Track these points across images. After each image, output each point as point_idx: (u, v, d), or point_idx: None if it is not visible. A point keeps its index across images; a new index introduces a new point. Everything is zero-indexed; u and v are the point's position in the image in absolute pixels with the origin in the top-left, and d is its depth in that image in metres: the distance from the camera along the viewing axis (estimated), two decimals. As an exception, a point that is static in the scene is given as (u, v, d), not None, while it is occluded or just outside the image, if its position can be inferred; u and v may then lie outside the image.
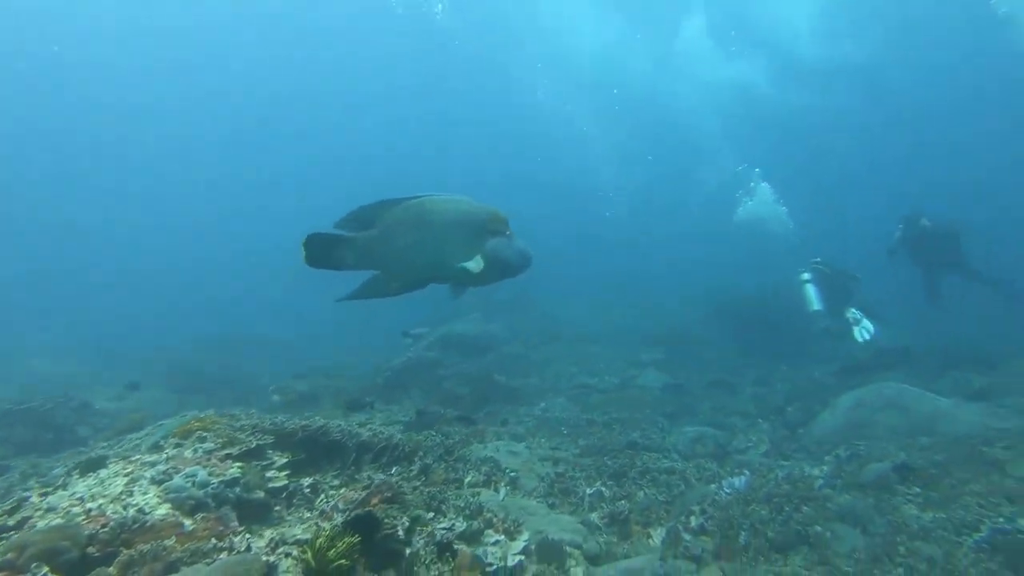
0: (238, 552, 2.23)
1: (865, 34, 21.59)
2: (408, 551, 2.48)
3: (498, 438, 5.59)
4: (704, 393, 8.78)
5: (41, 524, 2.30)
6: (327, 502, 2.92)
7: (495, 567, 2.78)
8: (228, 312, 20.61)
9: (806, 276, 9.42)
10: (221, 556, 2.16)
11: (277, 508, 2.84)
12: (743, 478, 4.63)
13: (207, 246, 33.89)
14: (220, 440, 3.09)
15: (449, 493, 3.41)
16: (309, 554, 2.10)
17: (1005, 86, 21.84)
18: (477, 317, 10.48)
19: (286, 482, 2.98)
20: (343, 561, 2.09)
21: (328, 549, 2.10)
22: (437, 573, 2.50)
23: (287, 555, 2.28)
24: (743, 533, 3.65)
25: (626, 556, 3.41)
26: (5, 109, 26.53)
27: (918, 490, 4.23)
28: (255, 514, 2.72)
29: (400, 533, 2.49)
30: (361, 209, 2.74)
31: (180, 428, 3.28)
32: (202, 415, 3.62)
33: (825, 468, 5.21)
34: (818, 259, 9.45)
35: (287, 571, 2.18)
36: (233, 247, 33.79)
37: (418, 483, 3.42)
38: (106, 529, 2.18)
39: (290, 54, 27.93)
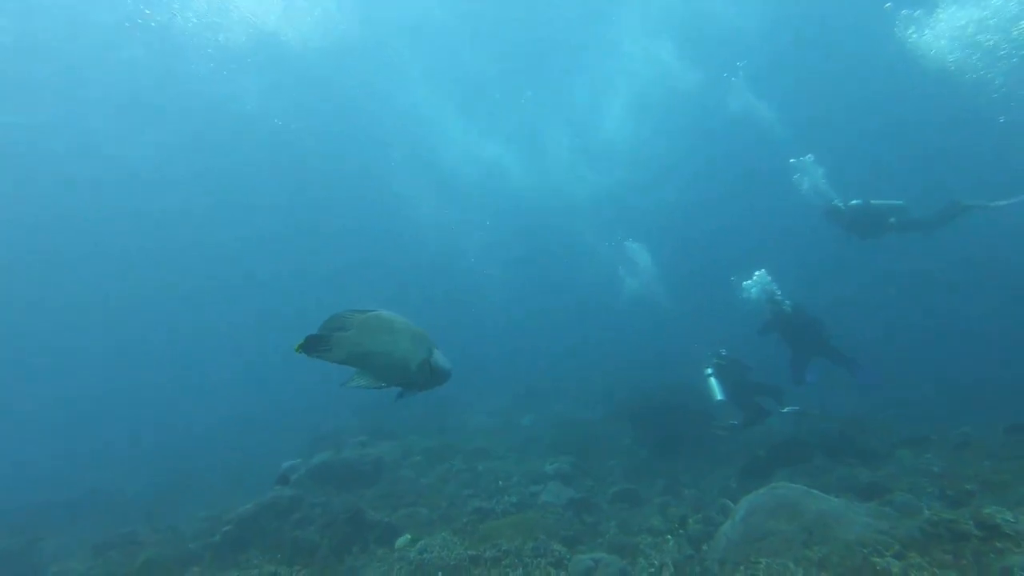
0: None
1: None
2: None
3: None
4: (610, 508, 8.11)
5: None
6: None
7: None
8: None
9: (709, 371, 9.56)
10: None
11: None
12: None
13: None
14: None
15: None
16: None
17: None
18: (362, 440, 9.36)
19: None
20: None
21: None
22: None
23: None
24: None
25: None
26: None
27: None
28: None
29: None
30: (333, 317, 3.30)
31: None
32: None
33: (726, 599, 4.62)
34: (723, 351, 9.68)
35: None
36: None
37: None
38: None
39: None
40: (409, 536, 5.72)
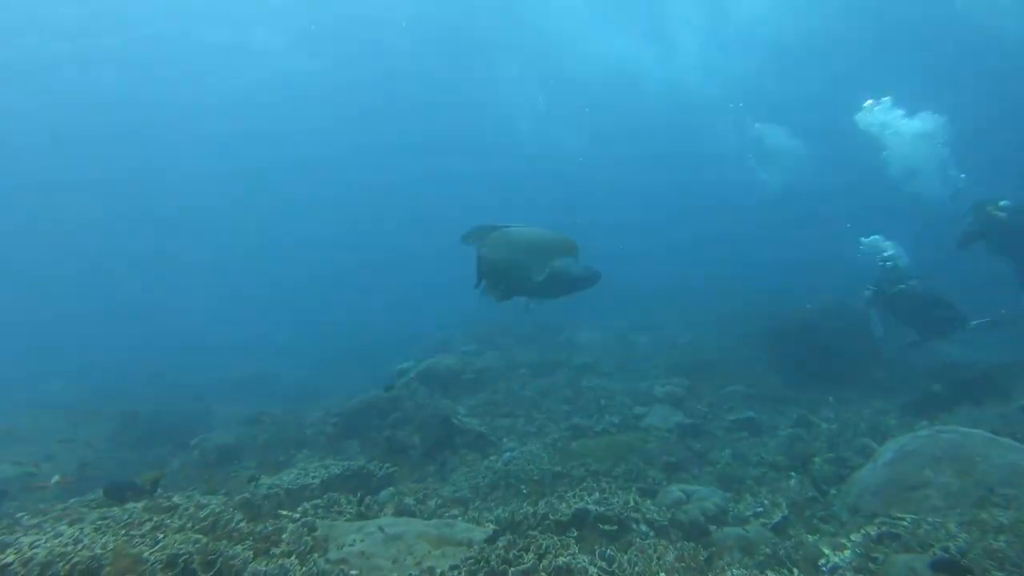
0: None
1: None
2: None
3: (423, 501, 4.62)
4: (726, 436, 7.30)
5: None
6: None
7: None
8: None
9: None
10: None
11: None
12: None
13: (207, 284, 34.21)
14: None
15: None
16: None
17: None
18: (470, 349, 9.61)
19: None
20: None
21: None
22: None
23: None
24: None
25: None
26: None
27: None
28: None
29: None
30: (476, 228, 3.76)
31: None
32: None
33: (846, 554, 3.77)
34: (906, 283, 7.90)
35: None
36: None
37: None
38: None
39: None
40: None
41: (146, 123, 26.10)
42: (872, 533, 3.85)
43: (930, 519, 3.87)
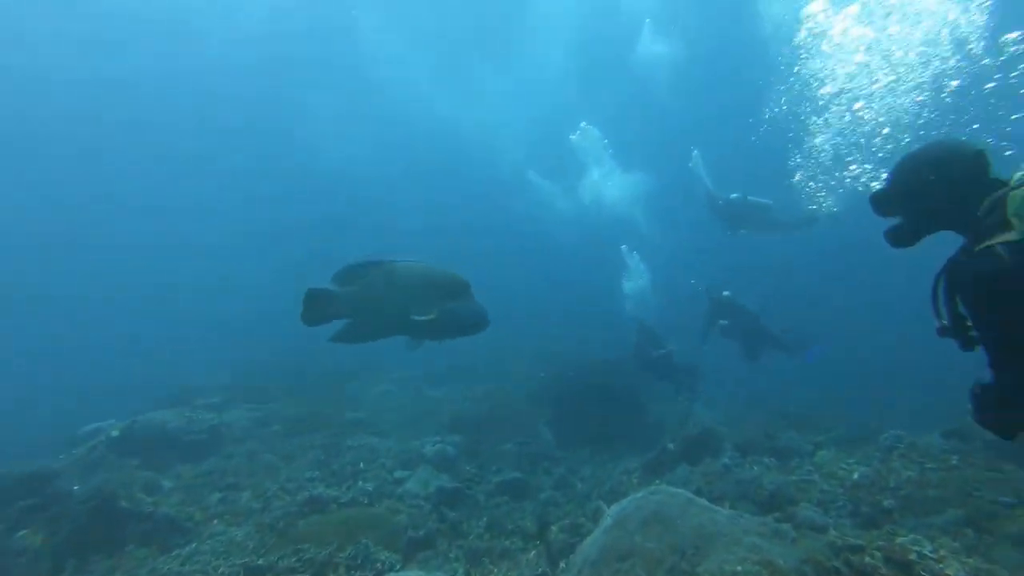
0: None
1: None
2: None
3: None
4: (487, 502, 6.87)
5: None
6: None
7: None
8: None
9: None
10: None
11: None
12: None
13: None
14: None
15: None
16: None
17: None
18: (213, 402, 7.88)
19: None
20: None
21: None
22: None
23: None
24: None
25: None
26: None
27: None
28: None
29: None
30: (348, 267, 3.52)
31: None
32: None
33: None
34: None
35: None
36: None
37: None
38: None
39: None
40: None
41: None
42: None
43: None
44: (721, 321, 9.51)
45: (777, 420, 7.45)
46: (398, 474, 7.06)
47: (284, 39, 21.95)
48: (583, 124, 16.61)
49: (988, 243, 1.49)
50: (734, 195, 9.62)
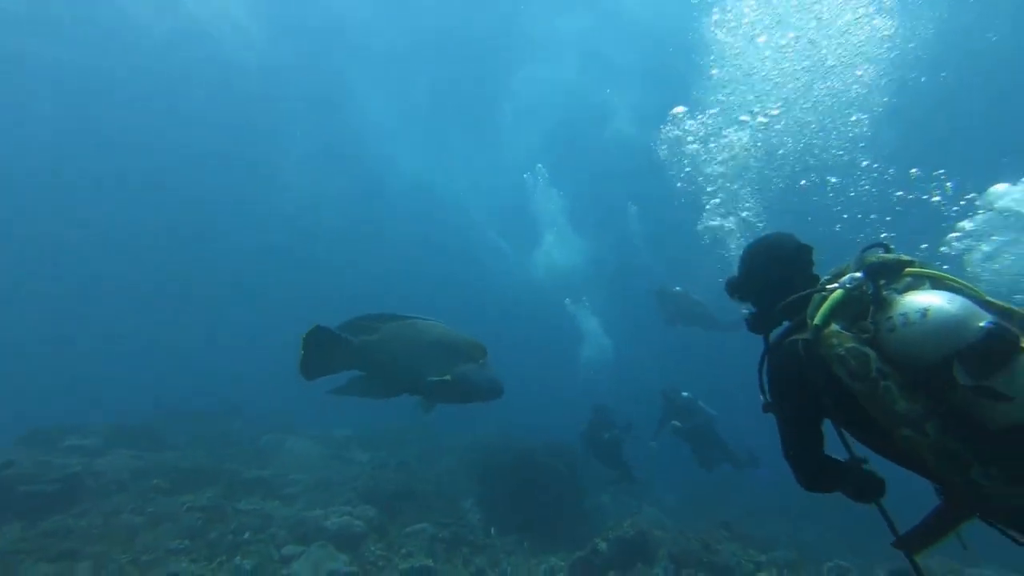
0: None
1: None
2: None
3: None
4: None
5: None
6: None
7: None
8: None
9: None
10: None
11: None
12: None
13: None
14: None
15: None
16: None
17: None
18: (88, 444, 6.79)
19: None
20: None
21: None
22: None
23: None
24: None
25: None
26: None
27: None
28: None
29: None
30: (361, 317, 3.38)
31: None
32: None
33: None
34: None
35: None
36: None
37: None
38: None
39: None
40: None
41: None
42: None
43: None
44: (674, 423, 8.92)
45: (719, 530, 6.82)
46: (288, 550, 6.06)
47: (272, 72, 22.07)
48: (539, 165, 16.92)
49: (792, 338, 1.66)
50: (677, 288, 9.47)
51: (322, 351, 3.18)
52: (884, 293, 1.49)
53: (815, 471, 1.69)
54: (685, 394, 9.00)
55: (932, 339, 1.35)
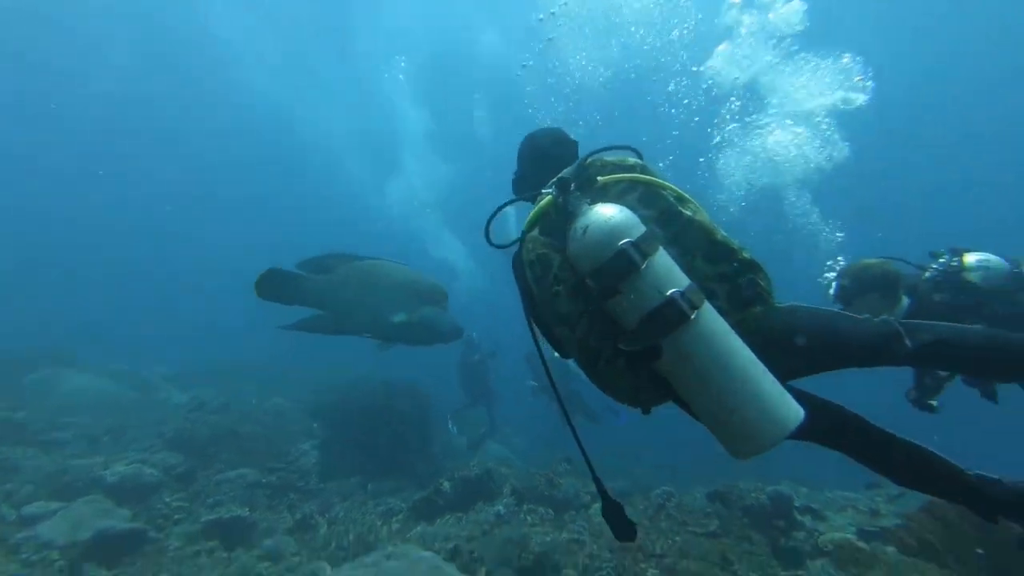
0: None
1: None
2: None
3: None
4: (179, 552, 4.91)
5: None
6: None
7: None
8: None
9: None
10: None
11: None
12: None
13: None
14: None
15: None
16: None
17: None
18: None
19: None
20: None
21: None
22: None
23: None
24: None
25: None
26: None
27: None
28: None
29: None
30: (323, 256, 3.35)
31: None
32: None
33: None
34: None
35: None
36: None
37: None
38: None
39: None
40: None
41: None
42: None
43: None
44: (531, 382, 8.80)
45: (561, 463, 6.88)
46: (32, 509, 4.70)
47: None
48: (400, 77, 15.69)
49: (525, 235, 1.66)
50: None
51: (274, 285, 3.23)
52: (573, 204, 1.50)
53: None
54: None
55: (585, 254, 1.39)
